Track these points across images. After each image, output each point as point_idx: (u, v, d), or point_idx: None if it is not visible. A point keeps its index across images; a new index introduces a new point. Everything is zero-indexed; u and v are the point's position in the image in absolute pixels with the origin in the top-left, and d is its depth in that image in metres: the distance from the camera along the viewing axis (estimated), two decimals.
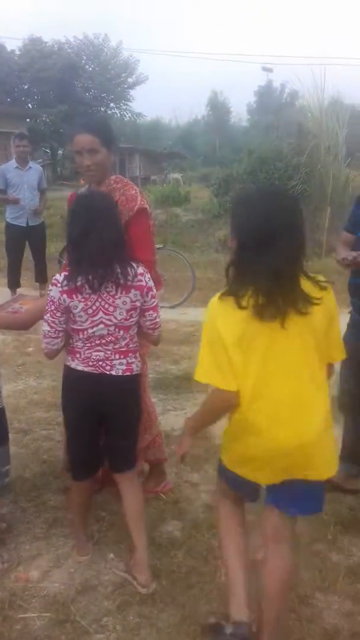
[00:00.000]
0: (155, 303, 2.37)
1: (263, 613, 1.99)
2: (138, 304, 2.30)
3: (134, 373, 2.39)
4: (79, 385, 2.37)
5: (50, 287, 2.26)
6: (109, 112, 35.52)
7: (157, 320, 2.41)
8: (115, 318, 2.28)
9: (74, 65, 32.00)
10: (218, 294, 1.87)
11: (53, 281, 2.25)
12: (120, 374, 2.35)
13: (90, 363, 2.33)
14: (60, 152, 32.45)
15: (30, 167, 7.01)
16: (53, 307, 2.24)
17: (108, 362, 2.33)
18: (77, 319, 2.25)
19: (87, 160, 2.60)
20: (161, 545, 2.66)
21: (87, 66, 33.97)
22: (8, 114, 26.14)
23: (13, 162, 6.99)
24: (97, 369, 2.32)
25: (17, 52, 31.90)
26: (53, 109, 30.23)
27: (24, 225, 7.05)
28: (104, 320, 2.27)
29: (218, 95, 47.75)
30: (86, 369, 2.33)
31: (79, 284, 2.19)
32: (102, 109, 34.63)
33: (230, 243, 1.88)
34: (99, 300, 2.23)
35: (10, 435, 3.74)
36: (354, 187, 11.62)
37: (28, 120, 29.57)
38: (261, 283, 1.78)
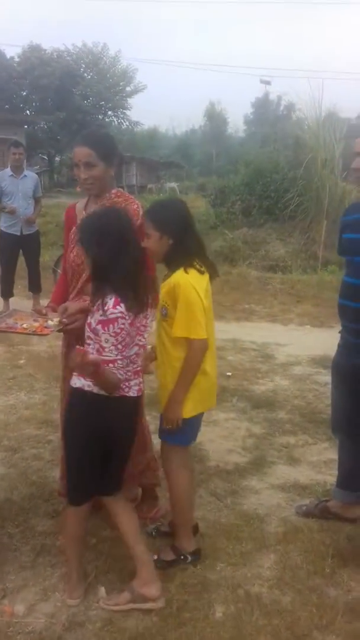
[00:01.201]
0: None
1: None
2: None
3: (142, 392, 2.37)
4: (101, 411, 2.22)
5: (120, 319, 2.07)
6: (106, 120, 35.57)
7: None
8: (144, 338, 2.27)
9: (73, 73, 32.07)
10: (182, 270, 2.36)
11: (119, 314, 2.07)
12: (135, 395, 2.29)
13: (136, 388, 2.29)
14: (57, 159, 32.44)
15: (25, 175, 6.93)
16: (125, 339, 2.11)
17: (127, 383, 2.25)
18: (131, 345, 2.21)
19: (83, 174, 2.54)
20: None
21: (85, 74, 34.05)
22: (6, 120, 26.11)
23: (8, 170, 6.91)
24: (119, 392, 2.22)
25: (17, 59, 31.92)
26: (51, 116, 30.25)
27: (18, 234, 6.96)
28: (138, 341, 2.24)
29: (215, 105, 47.91)
30: (133, 395, 2.27)
31: (128, 305, 2.11)
32: (99, 116, 34.68)
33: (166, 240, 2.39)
34: (136, 321, 2.19)
35: None
36: (350, 201, 11.60)
37: (26, 127, 29.56)
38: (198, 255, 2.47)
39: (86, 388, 2.21)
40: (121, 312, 2.07)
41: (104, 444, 2.27)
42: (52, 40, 38.01)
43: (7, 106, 30.98)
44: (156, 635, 2.23)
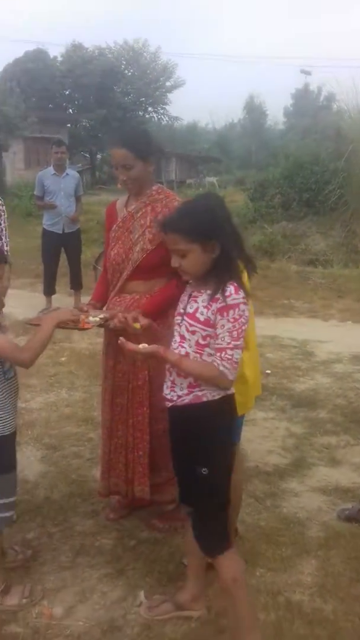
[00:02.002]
0: None
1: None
2: None
3: None
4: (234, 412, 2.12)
5: (241, 305, 1.92)
6: (146, 116, 35.67)
7: None
8: None
9: (114, 70, 32.26)
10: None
11: (241, 300, 1.93)
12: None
13: None
14: (98, 156, 32.72)
15: (67, 174, 6.99)
16: (245, 328, 1.96)
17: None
18: None
19: (122, 175, 2.54)
20: None
21: (126, 71, 34.20)
22: (50, 119, 26.55)
23: (50, 169, 7.00)
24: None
25: (60, 59, 32.32)
26: (92, 114, 30.53)
27: (60, 232, 7.04)
28: None
29: (254, 98, 47.38)
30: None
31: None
32: (140, 113, 34.80)
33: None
34: None
35: (40, 452, 3.72)
36: None
37: (69, 125, 29.96)
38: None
39: (206, 398, 2.02)
40: (243, 298, 1.94)
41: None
42: (94, 39, 38.35)
43: (50, 105, 31.43)
44: None
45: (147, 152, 2.55)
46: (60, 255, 7.31)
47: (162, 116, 37.20)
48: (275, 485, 3.32)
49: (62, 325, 2.35)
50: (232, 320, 1.93)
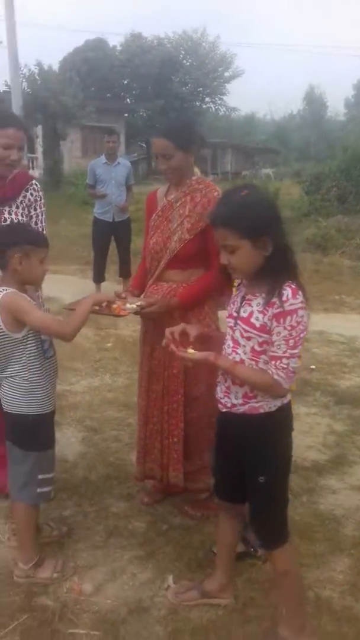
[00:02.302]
0: None
1: None
2: None
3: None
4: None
5: (300, 310, 1.81)
6: (203, 106, 35.51)
7: None
8: None
9: (172, 60, 32.30)
10: None
11: (300, 305, 1.81)
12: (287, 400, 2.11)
13: None
14: None
15: (118, 163, 7.05)
16: (305, 335, 1.86)
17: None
18: None
19: (162, 165, 2.55)
20: None
21: (184, 61, 34.13)
22: (108, 109, 26.84)
23: (102, 158, 7.07)
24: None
25: (119, 48, 32.58)
26: (150, 104, 30.67)
27: (110, 220, 7.11)
28: None
29: (315, 89, 46.44)
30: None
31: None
32: (197, 103, 34.68)
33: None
34: None
35: (81, 434, 3.80)
36: None
37: (126, 114, 30.19)
38: None
39: (263, 410, 1.97)
40: (302, 302, 1.83)
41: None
42: (154, 28, 38.56)
43: (108, 95, 31.77)
44: (220, 629, 2.20)
45: (187, 143, 2.54)
46: (110, 243, 7.38)
47: (220, 107, 37.00)
48: (313, 481, 3.27)
49: (99, 311, 2.39)
50: (289, 327, 1.82)
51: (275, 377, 1.86)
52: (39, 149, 21.94)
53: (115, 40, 34.78)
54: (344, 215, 11.97)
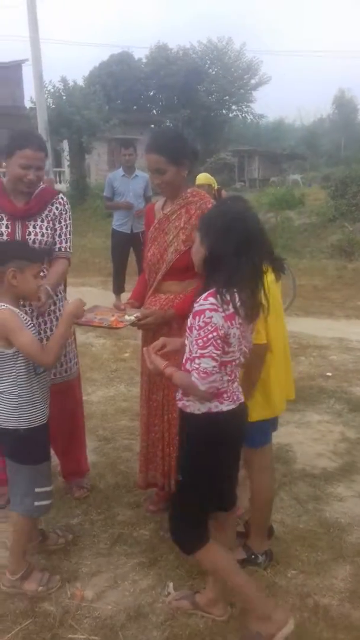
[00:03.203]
0: None
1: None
2: None
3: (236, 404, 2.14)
4: (229, 429, 2.06)
5: (207, 311, 1.89)
6: (230, 115, 35.57)
7: None
8: (249, 342, 2.08)
9: (198, 70, 32.48)
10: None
11: (208, 306, 1.89)
12: (242, 399, 2.15)
13: (234, 397, 2.07)
14: None
15: (136, 175, 7.15)
16: (216, 336, 1.89)
17: (239, 389, 2.13)
18: (229, 349, 1.95)
19: (156, 179, 2.61)
20: None
21: (210, 70, 34.29)
22: (134, 120, 27.19)
23: (120, 171, 7.19)
24: (239, 401, 2.10)
25: (144, 60, 32.97)
26: (176, 114, 30.89)
27: (129, 232, 7.20)
28: (243, 347, 2.03)
29: (345, 92, 46.01)
30: (232, 406, 2.05)
31: (236, 307, 1.92)
32: (223, 111, 34.77)
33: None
34: (243, 325, 1.99)
35: (94, 443, 3.87)
36: None
37: (152, 126, 30.49)
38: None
39: (211, 409, 2.04)
40: (212, 304, 1.89)
41: (237, 459, 2.23)
42: (179, 39, 38.94)
43: (134, 107, 32.15)
44: (216, 635, 2.23)
45: (179, 157, 2.58)
46: (129, 255, 7.48)
47: (247, 114, 36.97)
48: (320, 489, 3.27)
49: (96, 324, 2.45)
50: (197, 327, 1.90)
51: (193, 377, 1.94)
52: (65, 163, 22.35)
53: (140, 53, 35.18)
54: None
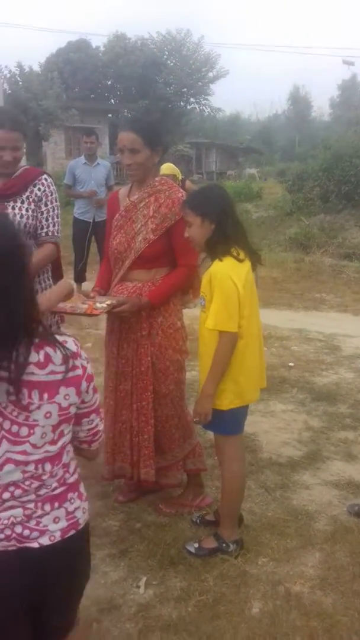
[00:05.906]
0: (97, 401, 1.50)
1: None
2: (72, 410, 1.40)
3: (80, 527, 1.50)
4: None
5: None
6: (188, 107, 35.53)
7: (99, 427, 1.55)
8: (35, 446, 1.35)
9: (156, 61, 32.26)
10: (218, 259, 2.35)
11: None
12: (58, 538, 1.43)
13: (2, 534, 1.36)
14: None
15: (98, 164, 7.05)
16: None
17: (31, 524, 1.40)
18: None
19: (127, 159, 2.54)
20: (192, 566, 2.53)
21: (168, 61, 34.09)
22: (91, 110, 26.77)
23: (82, 159, 7.07)
24: (14, 541, 1.38)
25: (102, 49, 32.49)
26: (134, 105, 30.61)
27: (90, 220, 7.09)
28: (10, 455, 1.34)
29: (300, 89, 46.72)
30: None
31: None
32: (181, 104, 34.68)
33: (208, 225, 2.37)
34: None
35: None
36: None
37: (110, 115, 30.14)
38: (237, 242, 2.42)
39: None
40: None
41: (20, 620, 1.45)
42: (137, 29, 38.43)
43: (92, 96, 31.68)
44: (189, 625, 2.22)
45: (155, 141, 2.54)
46: (91, 243, 7.37)
47: (204, 107, 36.99)
48: (287, 477, 3.30)
49: (69, 311, 2.38)
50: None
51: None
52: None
53: (98, 41, 34.66)
54: (326, 214, 12.06)
